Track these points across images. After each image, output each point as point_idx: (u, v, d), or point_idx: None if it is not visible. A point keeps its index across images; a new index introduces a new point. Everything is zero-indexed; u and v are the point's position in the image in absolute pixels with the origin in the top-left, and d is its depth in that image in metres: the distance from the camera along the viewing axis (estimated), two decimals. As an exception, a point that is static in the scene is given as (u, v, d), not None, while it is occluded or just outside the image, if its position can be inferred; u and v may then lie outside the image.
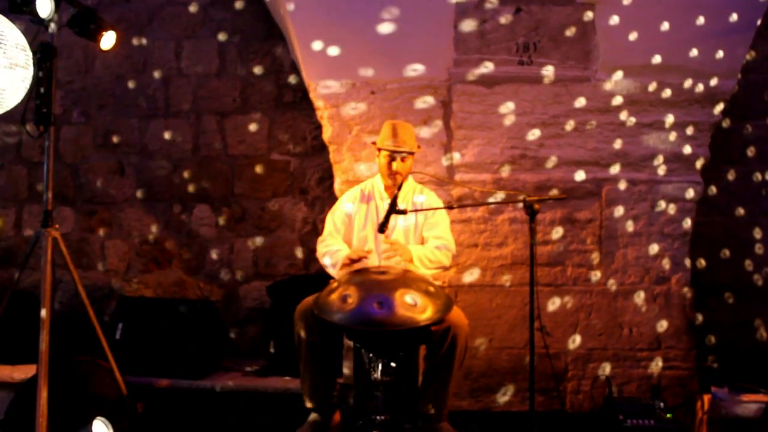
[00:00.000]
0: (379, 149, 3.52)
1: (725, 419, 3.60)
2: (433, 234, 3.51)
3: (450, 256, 3.50)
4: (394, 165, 3.46)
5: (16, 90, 3.05)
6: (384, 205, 3.52)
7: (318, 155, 4.70)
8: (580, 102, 3.92)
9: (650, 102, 3.91)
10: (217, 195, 4.83)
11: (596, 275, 3.97)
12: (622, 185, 3.96)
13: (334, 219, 3.63)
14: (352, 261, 3.37)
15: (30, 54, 3.08)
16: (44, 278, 3.02)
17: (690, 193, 3.95)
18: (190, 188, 4.83)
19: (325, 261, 3.51)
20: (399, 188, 3.29)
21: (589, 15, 3.87)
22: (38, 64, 3.07)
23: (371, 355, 3.15)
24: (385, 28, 3.85)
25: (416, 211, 3.49)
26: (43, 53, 3.07)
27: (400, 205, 3.25)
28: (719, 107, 3.90)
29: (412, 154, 3.52)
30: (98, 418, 3.09)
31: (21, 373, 3.93)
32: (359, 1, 3.86)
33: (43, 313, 2.98)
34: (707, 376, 3.90)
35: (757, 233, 4.31)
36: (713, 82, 3.86)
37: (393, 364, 3.14)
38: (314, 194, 4.76)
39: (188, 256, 4.86)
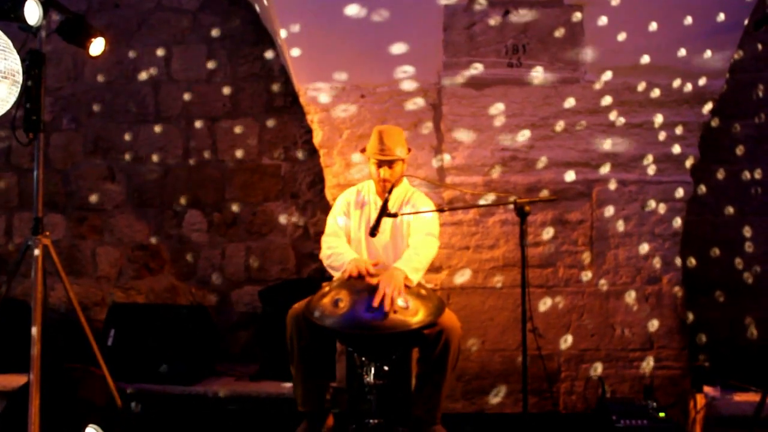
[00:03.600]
0: (369, 157, 3.52)
1: (718, 418, 3.62)
2: (421, 229, 3.43)
3: (435, 243, 3.39)
4: (382, 172, 3.44)
5: (13, 100, 3.04)
6: (377, 208, 3.52)
7: (309, 159, 4.70)
8: (570, 103, 3.93)
9: (639, 102, 3.92)
10: (208, 200, 4.82)
11: (587, 276, 3.98)
12: (613, 186, 3.96)
13: (335, 218, 3.60)
14: (355, 277, 3.20)
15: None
16: (35, 286, 3.00)
17: (680, 193, 3.96)
18: (181, 194, 4.83)
19: (329, 262, 3.42)
20: (389, 192, 3.29)
21: (577, 16, 3.88)
22: (27, 71, 3.05)
23: (364, 358, 3.14)
24: (375, 31, 3.85)
25: (407, 214, 3.49)
26: (32, 60, 3.04)
27: (391, 209, 3.24)
28: (708, 107, 3.92)
29: (402, 160, 3.50)
30: (90, 425, 3.08)
31: (12, 381, 3.91)
32: (348, 5, 3.87)
33: (34, 321, 2.96)
34: (699, 375, 3.91)
35: (747, 231, 4.33)
36: (702, 81, 3.87)
37: (386, 368, 3.13)
38: (305, 198, 4.75)
39: (180, 261, 4.84)
